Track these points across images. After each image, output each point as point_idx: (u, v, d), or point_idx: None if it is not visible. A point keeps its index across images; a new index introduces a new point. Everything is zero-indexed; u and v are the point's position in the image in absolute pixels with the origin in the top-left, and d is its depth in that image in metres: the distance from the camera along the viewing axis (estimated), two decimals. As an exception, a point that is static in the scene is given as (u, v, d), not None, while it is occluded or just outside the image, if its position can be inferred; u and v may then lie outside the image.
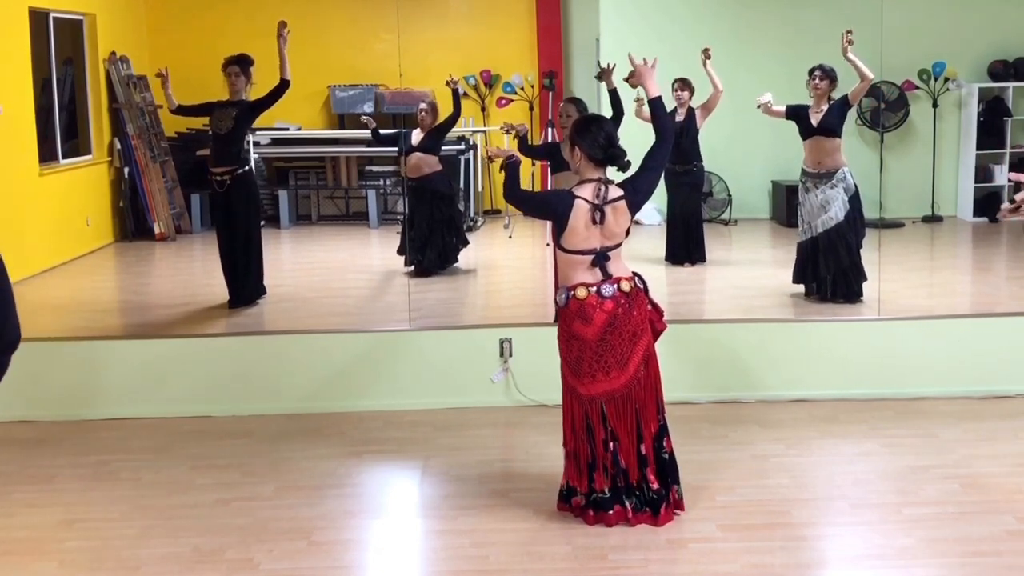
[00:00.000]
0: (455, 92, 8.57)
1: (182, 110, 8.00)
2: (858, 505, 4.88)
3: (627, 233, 4.65)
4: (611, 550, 4.43)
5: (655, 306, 4.72)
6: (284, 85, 7.49)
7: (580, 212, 4.49)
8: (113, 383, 6.45)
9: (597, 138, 4.54)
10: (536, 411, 6.25)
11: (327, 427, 6.15)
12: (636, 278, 4.64)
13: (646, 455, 4.63)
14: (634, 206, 4.59)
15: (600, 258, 4.54)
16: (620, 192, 4.56)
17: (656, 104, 4.73)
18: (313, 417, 6.30)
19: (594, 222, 4.49)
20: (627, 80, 5.23)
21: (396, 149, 9.02)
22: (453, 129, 8.98)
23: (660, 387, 4.70)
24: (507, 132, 7.48)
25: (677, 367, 6.24)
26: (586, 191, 4.53)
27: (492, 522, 4.74)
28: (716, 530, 4.61)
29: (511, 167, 4.74)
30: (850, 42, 7.20)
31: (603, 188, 4.53)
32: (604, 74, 7.12)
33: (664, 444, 4.69)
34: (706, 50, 8.38)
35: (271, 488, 5.22)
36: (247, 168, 7.82)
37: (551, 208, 4.60)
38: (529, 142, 7.65)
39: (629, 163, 4.59)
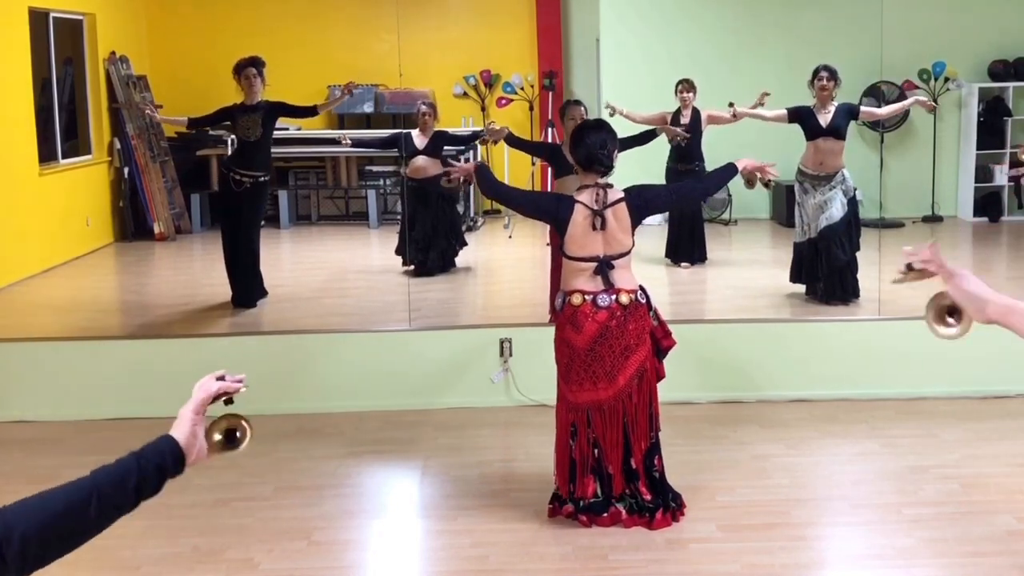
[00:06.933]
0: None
1: (196, 123, 7.99)
2: (858, 505, 4.88)
3: (632, 241, 4.57)
4: (611, 550, 4.43)
5: (661, 323, 4.67)
6: (312, 113, 7.81)
7: (580, 217, 4.47)
8: (113, 383, 6.45)
9: (583, 142, 4.54)
10: (536, 411, 6.25)
11: (327, 427, 6.15)
12: (639, 292, 4.58)
13: (636, 470, 4.60)
14: (635, 210, 4.52)
15: (603, 266, 4.49)
16: (621, 194, 4.53)
17: (727, 169, 4.98)
18: (313, 417, 6.29)
19: (594, 228, 4.46)
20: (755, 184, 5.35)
21: (396, 152, 9.03)
22: (452, 129, 8.99)
23: (656, 405, 4.65)
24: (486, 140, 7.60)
25: (677, 367, 6.21)
26: (585, 196, 4.52)
27: (492, 522, 4.74)
28: (716, 530, 4.61)
29: (478, 175, 4.84)
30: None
31: (601, 192, 4.50)
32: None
33: (655, 462, 4.65)
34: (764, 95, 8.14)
35: (271, 488, 5.22)
36: (268, 178, 7.85)
37: (551, 210, 4.60)
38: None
39: (609, 170, 4.57)
